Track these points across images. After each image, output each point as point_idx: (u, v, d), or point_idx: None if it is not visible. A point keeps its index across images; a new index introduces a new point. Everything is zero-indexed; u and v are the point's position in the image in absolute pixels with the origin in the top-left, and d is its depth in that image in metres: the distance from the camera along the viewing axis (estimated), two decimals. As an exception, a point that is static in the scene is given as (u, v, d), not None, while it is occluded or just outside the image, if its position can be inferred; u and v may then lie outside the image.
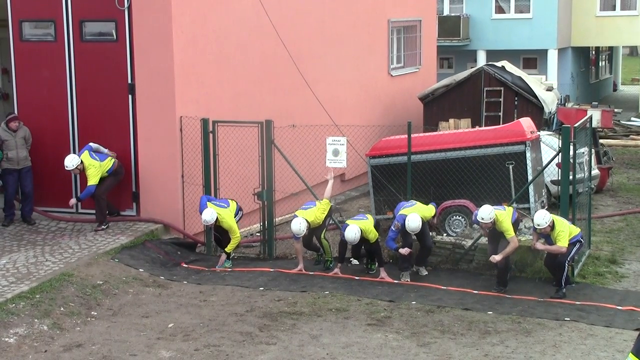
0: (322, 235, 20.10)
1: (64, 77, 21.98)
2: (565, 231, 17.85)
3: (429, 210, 19.27)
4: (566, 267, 17.98)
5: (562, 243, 17.64)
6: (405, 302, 17.66)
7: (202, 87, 21.31)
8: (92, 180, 20.71)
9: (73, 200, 21.35)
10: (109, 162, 21.08)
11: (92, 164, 20.68)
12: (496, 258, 17.76)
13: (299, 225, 19.16)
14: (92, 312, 17.08)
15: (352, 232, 18.91)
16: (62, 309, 17.12)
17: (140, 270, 19.05)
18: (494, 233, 18.23)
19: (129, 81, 21.42)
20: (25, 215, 21.82)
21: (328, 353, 15.31)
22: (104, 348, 15.64)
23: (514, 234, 18.20)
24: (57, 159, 21.61)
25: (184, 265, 19.79)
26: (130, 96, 21.46)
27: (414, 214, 18.71)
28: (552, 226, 17.67)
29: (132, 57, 21.30)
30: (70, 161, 20.59)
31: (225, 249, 20.05)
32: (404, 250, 18.83)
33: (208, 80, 21.48)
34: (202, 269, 19.58)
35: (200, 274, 19.33)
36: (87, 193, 20.79)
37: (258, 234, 22.15)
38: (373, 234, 19.28)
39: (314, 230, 20.12)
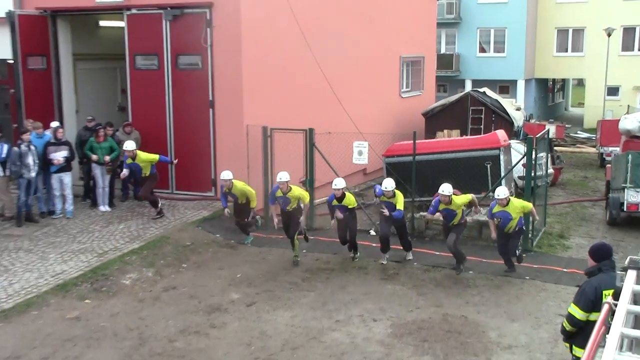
0: (296, 235, 18.07)
1: (164, 95, 22.21)
2: (521, 202, 17.36)
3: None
4: (518, 245, 17.54)
5: (527, 206, 17.18)
6: (409, 263, 18.00)
7: (262, 103, 21.47)
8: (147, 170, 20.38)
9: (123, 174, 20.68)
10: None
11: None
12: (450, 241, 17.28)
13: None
14: (183, 265, 17.42)
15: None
16: (161, 261, 17.48)
17: (217, 235, 19.32)
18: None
19: (210, 98, 21.58)
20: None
21: (352, 298, 15.64)
22: (191, 290, 16.01)
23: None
24: (158, 153, 21.95)
25: (250, 232, 19.94)
26: (210, 109, 21.65)
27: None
28: (508, 201, 16.85)
29: (212, 81, 21.48)
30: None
31: (251, 205, 18.79)
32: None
33: (266, 98, 21.64)
34: (260, 235, 19.81)
35: (257, 239, 19.57)
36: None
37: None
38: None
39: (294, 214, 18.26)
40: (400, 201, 17.71)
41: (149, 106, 22.54)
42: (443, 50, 50.98)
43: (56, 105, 23.74)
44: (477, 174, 21.87)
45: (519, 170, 22.43)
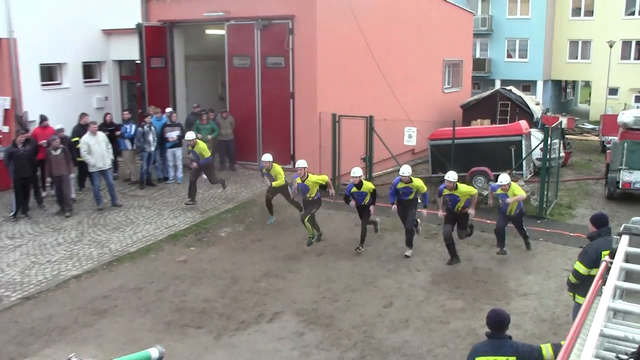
0: (307, 219, 15.79)
1: (254, 88, 22.26)
2: (519, 188, 15.65)
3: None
4: (524, 228, 15.99)
5: (520, 193, 15.34)
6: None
7: (332, 95, 21.40)
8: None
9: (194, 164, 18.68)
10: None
11: None
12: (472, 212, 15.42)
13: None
14: (267, 222, 17.54)
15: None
16: (250, 219, 17.60)
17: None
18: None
19: (291, 91, 21.57)
20: (231, 165, 22.25)
21: (401, 253, 15.59)
22: (272, 242, 16.10)
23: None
24: (248, 135, 22.10)
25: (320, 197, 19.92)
26: (291, 100, 21.63)
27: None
28: (509, 186, 15.20)
29: (293, 77, 21.47)
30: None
31: (273, 184, 16.81)
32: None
33: (336, 91, 21.57)
34: (328, 200, 19.79)
35: (326, 203, 19.47)
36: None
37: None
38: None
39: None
40: (419, 184, 15.47)
41: (242, 96, 22.56)
42: (478, 55, 50.27)
43: (171, 95, 23.96)
44: (503, 156, 21.72)
45: (537, 153, 22.13)
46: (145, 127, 20.17)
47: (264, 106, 22.34)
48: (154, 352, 9.23)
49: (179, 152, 20.99)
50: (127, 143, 20.52)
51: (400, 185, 15.45)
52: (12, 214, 17.71)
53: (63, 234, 16.55)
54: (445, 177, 15.10)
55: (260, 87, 22.27)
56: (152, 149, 20.21)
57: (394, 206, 15.68)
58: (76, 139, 18.99)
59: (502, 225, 15.58)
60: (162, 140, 20.69)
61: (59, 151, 17.50)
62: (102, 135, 18.49)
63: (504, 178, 15.44)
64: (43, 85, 22.19)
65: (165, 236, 16.37)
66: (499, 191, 15.57)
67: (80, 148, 18.25)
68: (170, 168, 20.93)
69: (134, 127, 20.46)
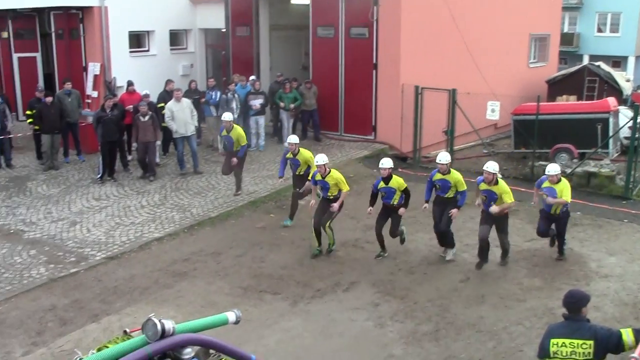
0: (328, 224, 13.73)
1: (337, 57, 22.24)
2: (569, 190, 13.07)
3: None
4: (565, 238, 13.63)
5: (566, 197, 12.88)
6: (527, 202, 17.34)
7: (415, 67, 21.15)
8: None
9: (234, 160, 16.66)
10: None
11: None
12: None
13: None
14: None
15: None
16: (329, 189, 17.61)
17: (374, 170, 19.13)
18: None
19: (374, 62, 21.46)
20: (316, 136, 22.25)
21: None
22: (351, 212, 16.00)
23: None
24: (330, 104, 22.08)
25: (400, 170, 19.67)
26: (374, 70, 21.51)
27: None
28: (559, 180, 12.96)
29: (376, 48, 21.35)
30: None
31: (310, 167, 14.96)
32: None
33: (419, 62, 21.32)
34: (409, 172, 19.68)
35: (406, 175, 19.32)
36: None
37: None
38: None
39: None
40: (458, 179, 13.20)
41: (326, 66, 22.53)
42: (566, 30, 48.83)
43: (255, 63, 24.10)
44: (588, 133, 21.03)
45: (625, 132, 21.43)
46: (229, 95, 20.42)
47: (346, 76, 22.26)
48: (231, 315, 9.37)
49: (261, 120, 21.15)
50: (211, 110, 20.83)
51: (436, 177, 13.32)
52: (98, 176, 18.24)
53: (147, 197, 16.95)
54: (484, 168, 12.73)
55: (344, 58, 22.19)
56: (235, 116, 20.42)
57: (426, 205, 13.54)
58: (161, 105, 19.36)
59: (544, 229, 13.49)
60: (245, 108, 20.87)
61: (147, 118, 17.85)
62: (186, 102, 18.76)
63: (552, 168, 13.14)
64: (131, 52, 22.65)
65: (245, 202, 16.58)
66: (545, 184, 13.15)
67: (164, 114, 18.60)
68: (253, 135, 21.11)
69: (218, 94, 20.75)
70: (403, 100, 20.86)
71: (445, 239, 13.63)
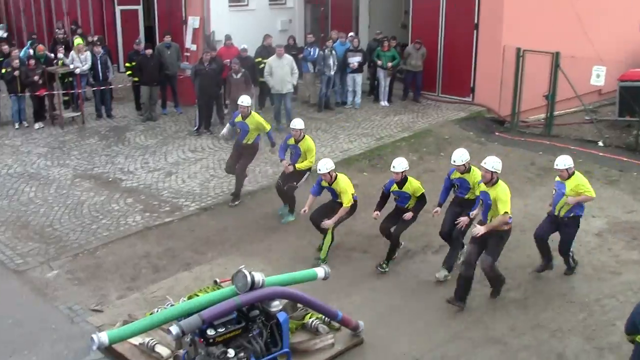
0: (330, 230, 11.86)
1: (438, 17, 21.79)
2: (585, 186, 10.85)
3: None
4: (571, 251, 11.33)
5: (589, 193, 10.82)
6: (629, 172, 16.83)
7: (517, 28, 20.54)
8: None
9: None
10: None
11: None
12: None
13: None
14: (441, 153, 17.20)
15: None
16: (424, 149, 17.46)
17: (470, 133, 18.91)
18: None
19: (475, 22, 20.94)
20: (415, 97, 21.67)
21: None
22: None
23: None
24: (430, 64, 21.64)
25: (497, 133, 19.49)
26: (474, 31, 20.97)
27: None
28: (570, 175, 10.84)
29: (478, 8, 20.76)
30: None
31: (297, 166, 13.24)
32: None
33: (522, 24, 20.62)
34: (505, 136, 19.30)
35: (503, 139, 19.00)
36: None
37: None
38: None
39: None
40: (478, 178, 11.01)
41: (425, 25, 22.09)
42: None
43: (354, 20, 23.91)
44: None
45: None
46: (327, 51, 20.38)
47: (446, 36, 21.76)
48: (320, 271, 9.53)
49: (359, 78, 21.03)
50: (309, 66, 20.88)
51: (455, 176, 11.55)
52: (195, 128, 18.60)
53: (242, 151, 17.20)
54: (481, 164, 10.41)
55: (444, 17, 21.72)
56: (332, 73, 20.44)
57: (438, 209, 11.73)
58: (259, 59, 19.51)
59: (540, 232, 11.35)
60: (342, 65, 20.82)
61: (239, 75, 17.99)
62: (288, 59, 18.80)
63: (560, 161, 10.95)
64: (230, 6, 22.77)
65: (339, 159, 16.58)
66: (556, 179, 11.21)
67: (264, 69, 18.75)
68: (349, 93, 21.08)
69: (316, 50, 20.75)
70: (503, 62, 20.34)
71: (451, 248, 11.57)
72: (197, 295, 9.39)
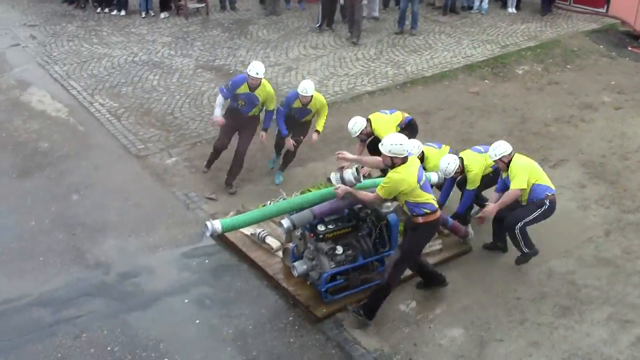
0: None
1: None
2: (521, 175, 8.81)
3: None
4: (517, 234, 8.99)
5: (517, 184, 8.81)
6: None
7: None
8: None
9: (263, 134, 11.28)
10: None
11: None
12: None
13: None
14: (567, 66, 16.47)
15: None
16: (550, 60, 16.73)
17: (600, 46, 17.89)
18: None
19: None
20: (545, 8, 20.43)
21: None
22: (570, 87, 15.29)
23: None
24: None
25: (629, 48, 18.35)
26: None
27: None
28: (508, 165, 8.94)
29: None
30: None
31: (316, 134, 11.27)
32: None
33: None
34: (638, 52, 18.18)
35: (635, 55, 17.87)
36: None
37: None
38: None
39: None
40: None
41: None
42: None
43: None
44: None
45: None
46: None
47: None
48: (434, 176, 9.47)
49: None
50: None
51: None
52: (317, 25, 18.46)
53: (362, 50, 17.02)
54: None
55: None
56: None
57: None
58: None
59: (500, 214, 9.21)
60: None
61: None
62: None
63: (495, 149, 9.04)
64: None
65: (461, 65, 16.24)
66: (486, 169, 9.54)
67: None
68: (477, -2, 20.41)
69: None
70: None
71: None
72: (310, 191, 9.50)
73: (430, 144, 10.13)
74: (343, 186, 8.17)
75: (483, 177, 9.54)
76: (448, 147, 10.12)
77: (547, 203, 8.87)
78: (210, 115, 13.13)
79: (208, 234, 8.00)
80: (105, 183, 11.34)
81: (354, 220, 8.54)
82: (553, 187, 9.07)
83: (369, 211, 8.60)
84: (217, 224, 7.92)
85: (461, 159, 9.43)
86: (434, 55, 16.80)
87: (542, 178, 9.01)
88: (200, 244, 9.73)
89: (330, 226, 8.31)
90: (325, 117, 11.26)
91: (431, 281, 8.81)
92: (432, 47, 17.37)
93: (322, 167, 11.72)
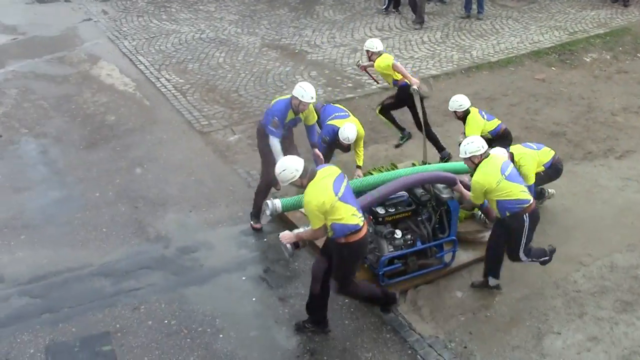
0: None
1: None
2: (476, 189, 7.71)
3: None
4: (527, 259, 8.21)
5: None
6: None
7: None
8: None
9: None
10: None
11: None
12: None
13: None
14: (638, 54, 15.83)
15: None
16: (620, 48, 16.18)
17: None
18: None
19: None
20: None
21: None
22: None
23: None
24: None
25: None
26: None
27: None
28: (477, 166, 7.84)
29: None
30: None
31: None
32: None
33: None
34: None
35: None
36: None
37: None
38: None
39: None
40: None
41: None
42: None
43: None
44: None
45: None
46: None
47: None
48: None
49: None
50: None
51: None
52: (384, 7, 18.23)
53: (428, 34, 16.77)
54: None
55: None
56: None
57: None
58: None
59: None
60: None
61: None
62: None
63: (466, 145, 7.83)
64: None
65: (527, 51, 15.86)
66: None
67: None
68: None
69: None
70: None
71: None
72: (371, 174, 9.39)
73: (528, 144, 9.46)
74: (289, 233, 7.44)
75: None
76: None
77: (526, 219, 7.69)
78: (274, 93, 13.12)
79: (268, 212, 7.95)
80: (169, 158, 11.42)
81: (414, 204, 8.40)
82: (527, 198, 7.70)
83: (430, 196, 8.46)
84: (277, 203, 7.87)
85: (511, 154, 8.85)
86: (500, 41, 16.44)
87: (513, 192, 7.62)
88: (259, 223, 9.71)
89: (390, 210, 8.20)
90: (362, 149, 10.15)
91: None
92: (499, 32, 17.00)
93: (383, 149, 11.60)
